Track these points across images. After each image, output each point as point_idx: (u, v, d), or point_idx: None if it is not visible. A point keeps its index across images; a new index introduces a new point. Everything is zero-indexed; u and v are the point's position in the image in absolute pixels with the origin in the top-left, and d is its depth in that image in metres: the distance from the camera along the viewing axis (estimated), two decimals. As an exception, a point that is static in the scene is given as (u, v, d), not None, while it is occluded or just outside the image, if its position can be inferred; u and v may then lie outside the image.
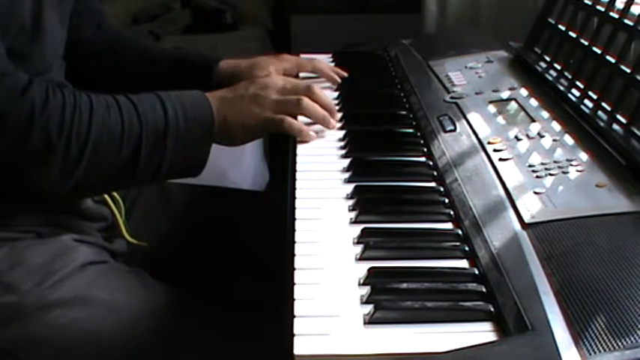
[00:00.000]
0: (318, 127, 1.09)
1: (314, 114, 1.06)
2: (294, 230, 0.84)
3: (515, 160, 0.94)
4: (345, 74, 1.33)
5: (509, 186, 0.88)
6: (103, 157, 0.90)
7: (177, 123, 0.94)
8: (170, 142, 0.93)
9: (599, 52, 1.10)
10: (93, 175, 0.91)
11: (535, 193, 0.86)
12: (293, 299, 0.71)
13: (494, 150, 0.98)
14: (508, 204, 0.85)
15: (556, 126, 1.04)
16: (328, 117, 1.08)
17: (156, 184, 0.97)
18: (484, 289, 0.72)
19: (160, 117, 0.94)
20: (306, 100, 1.04)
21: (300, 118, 1.07)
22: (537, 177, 0.90)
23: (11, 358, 0.91)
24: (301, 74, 1.33)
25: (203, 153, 0.97)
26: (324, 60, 1.39)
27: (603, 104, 1.04)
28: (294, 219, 0.86)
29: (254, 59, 1.27)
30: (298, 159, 1.01)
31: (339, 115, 1.17)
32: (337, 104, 1.23)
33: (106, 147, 0.90)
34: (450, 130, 1.07)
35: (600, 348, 0.61)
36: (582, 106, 1.06)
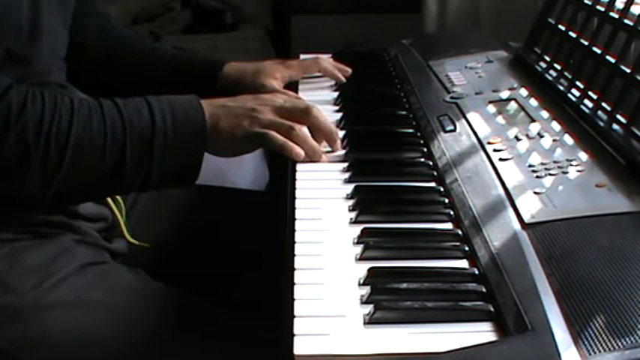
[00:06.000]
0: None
1: (303, 146, 0.99)
2: (294, 230, 0.84)
3: (515, 160, 0.94)
4: (350, 70, 1.33)
5: (509, 186, 0.88)
6: (84, 163, 0.87)
7: (165, 129, 0.90)
8: (158, 148, 0.90)
9: (599, 52, 1.10)
10: (75, 182, 0.88)
11: (535, 193, 0.86)
12: (293, 299, 0.71)
13: (494, 150, 0.98)
14: (508, 204, 0.85)
15: (556, 126, 1.04)
16: (319, 151, 1.00)
17: (147, 191, 0.93)
18: (484, 289, 0.72)
19: (146, 122, 0.90)
20: (297, 129, 0.97)
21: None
22: (537, 177, 0.90)
23: (10, 358, 0.91)
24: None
25: (195, 160, 0.92)
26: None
27: (603, 104, 1.04)
28: (294, 219, 0.86)
29: (260, 64, 1.26)
30: (298, 159, 1.01)
31: (339, 115, 1.17)
32: (337, 104, 1.24)
33: (87, 153, 0.87)
34: (450, 130, 1.07)
35: (600, 348, 0.61)
36: (582, 106, 1.06)
